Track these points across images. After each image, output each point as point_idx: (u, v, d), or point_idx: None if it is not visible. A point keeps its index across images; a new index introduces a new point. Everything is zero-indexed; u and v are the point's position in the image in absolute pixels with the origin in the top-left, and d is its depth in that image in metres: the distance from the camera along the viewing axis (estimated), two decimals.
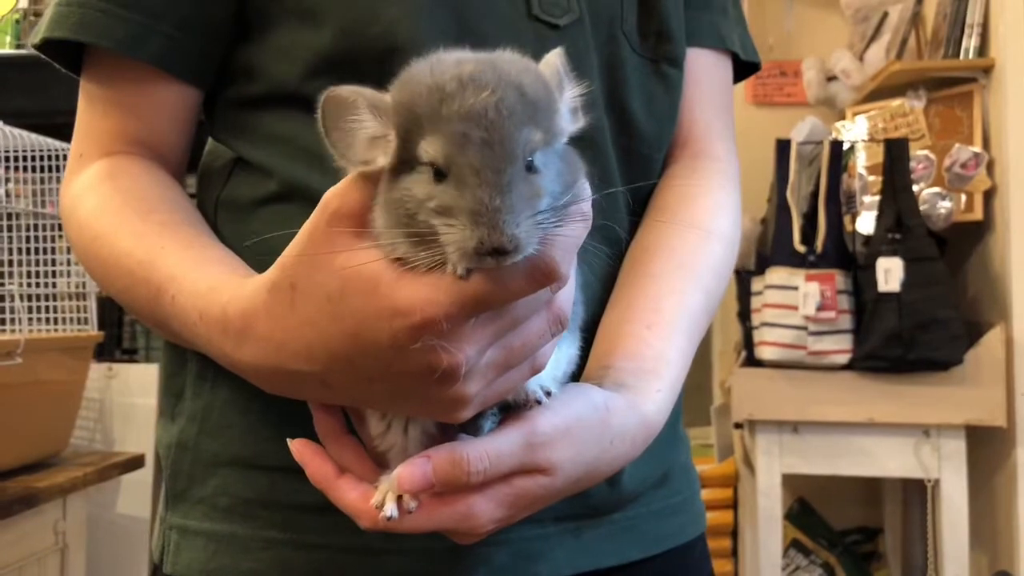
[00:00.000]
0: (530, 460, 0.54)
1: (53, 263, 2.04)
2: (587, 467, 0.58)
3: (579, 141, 0.72)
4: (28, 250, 2.04)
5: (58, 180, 1.97)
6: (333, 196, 0.50)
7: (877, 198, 2.32)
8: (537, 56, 0.66)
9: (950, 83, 2.52)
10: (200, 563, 0.69)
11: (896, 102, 2.61)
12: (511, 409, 0.56)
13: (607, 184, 0.73)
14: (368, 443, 0.57)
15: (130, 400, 2.33)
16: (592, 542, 0.72)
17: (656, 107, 0.76)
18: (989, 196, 2.40)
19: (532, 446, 0.54)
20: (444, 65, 0.48)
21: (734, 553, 3.00)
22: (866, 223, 2.36)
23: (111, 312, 2.57)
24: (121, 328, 2.72)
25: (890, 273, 2.17)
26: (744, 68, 0.87)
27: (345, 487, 0.55)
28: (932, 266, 2.20)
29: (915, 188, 2.31)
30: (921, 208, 2.29)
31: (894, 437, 2.23)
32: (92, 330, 2.08)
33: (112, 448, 2.30)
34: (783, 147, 2.41)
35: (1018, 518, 2.19)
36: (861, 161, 2.56)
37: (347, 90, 0.49)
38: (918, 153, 2.41)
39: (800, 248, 2.30)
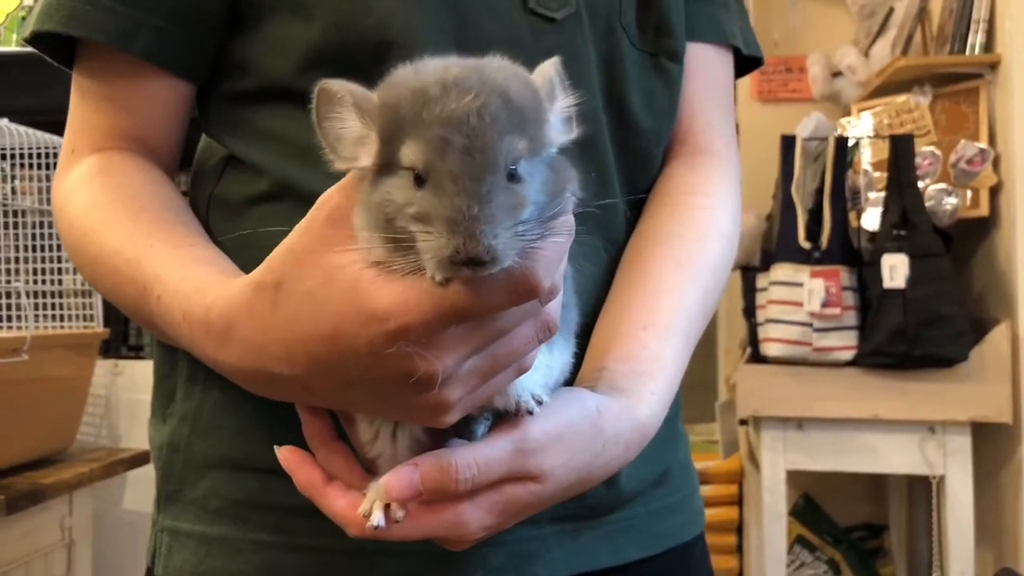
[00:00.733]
0: (520, 467, 0.54)
1: (59, 260, 2.05)
2: (579, 473, 0.57)
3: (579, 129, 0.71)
4: (34, 247, 2.05)
5: None
6: (330, 196, 0.50)
7: (882, 194, 2.31)
8: (533, 50, 0.65)
9: (956, 79, 2.51)
10: (191, 566, 0.69)
11: (902, 98, 2.60)
12: (502, 417, 0.55)
13: (605, 181, 0.72)
14: (358, 449, 0.56)
15: (136, 396, 2.34)
16: (590, 542, 0.71)
17: (655, 102, 0.75)
18: (995, 192, 2.39)
19: (522, 453, 0.54)
20: (429, 68, 0.48)
21: (739, 549, 3.00)
22: (871, 219, 2.35)
23: (117, 309, 2.57)
24: (128, 325, 2.72)
25: (895, 269, 2.16)
26: (746, 63, 0.85)
27: (333, 495, 0.54)
28: (937, 262, 2.19)
29: (920, 184, 2.29)
30: (927, 204, 2.28)
31: (899, 434, 2.23)
32: (98, 327, 2.09)
33: (118, 444, 2.31)
34: (788, 143, 2.40)
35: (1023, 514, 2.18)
36: (866, 157, 2.55)
37: (337, 85, 0.49)
38: (924, 149, 2.40)
39: (805, 244, 2.29)
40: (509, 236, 0.44)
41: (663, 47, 0.75)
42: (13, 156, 2.03)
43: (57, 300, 2.07)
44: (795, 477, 2.49)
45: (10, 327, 1.99)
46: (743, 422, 2.55)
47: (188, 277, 0.59)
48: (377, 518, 0.52)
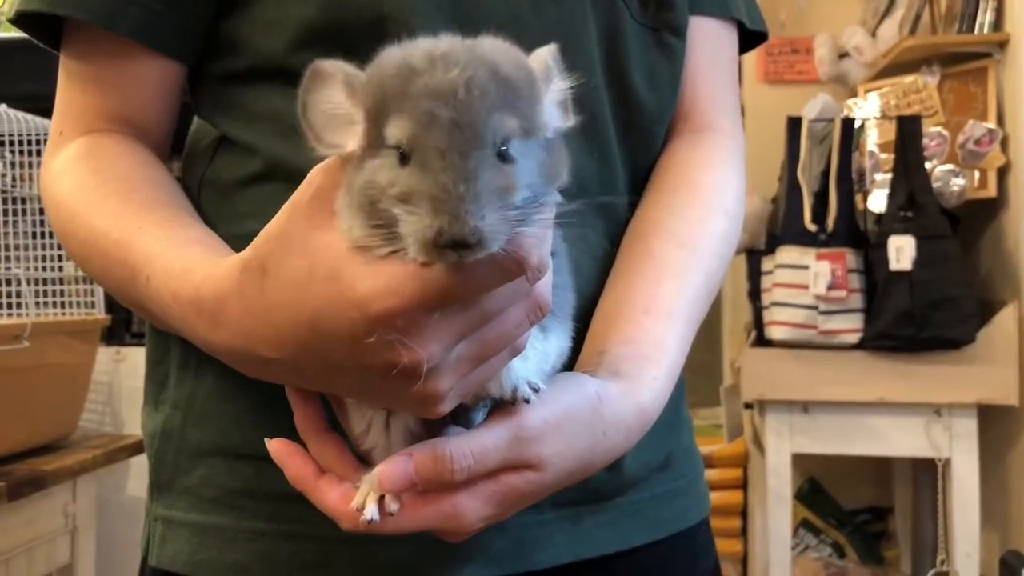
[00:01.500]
0: (518, 456, 0.52)
1: (60, 247, 2.04)
2: (578, 461, 0.56)
3: (577, 114, 0.70)
4: (36, 234, 2.04)
5: None
6: (318, 172, 0.48)
7: (889, 176, 2.30)
8: (533, 24, 0.64)
9: (964, 59, 2.48)
10: (185, 555, 0.68)
11: (909, 78, 2.58)
12: (500, 405, 0.54)
13: (606, 159, 0.71)
14: (353, 441, 0.55)
15: (138, 384, 2.31)
16: (593, 528, 0.70)
17: (658, 78, 0.73)
18: (1003, 173, 2.37)
19: (520, 441, 0.52)
20: (419, 45, 0.46)
21: (744, 533, 3.00)
22: (878, 201, 2.33)
23: None
24: (130, 312, 2.72)
25: (902, 251, 2.15)
26: (750, 39, 0.83)
27: (325, 488, 0.53)
28: (944, 244, 2.17)
29: (928, 165, 2.27)
30: (934, 185, 2.26)
31: (905, 417, 2.22)
32: (99, 314, 2.09)
33: (121, 431, 2.31)
34: (794, 125, 2.38)
35: None
36: (873, 139, 2.53)
37: (329, 64, 0.47)
38: (931, 130, 2.38)
39: (811, 227, 2.27)
40: (498, 219, 0.42)
41: (665, 21, 0.73)
42: (12, 143, 2.02)
43: (58, 287, 2.07)
44: (800, 460, 2.48)
45: (11, 314, 1.98)
46: (748, 406, 2.55)
47: (178, 257, 0.57)
48: (371, 511, 0.50)
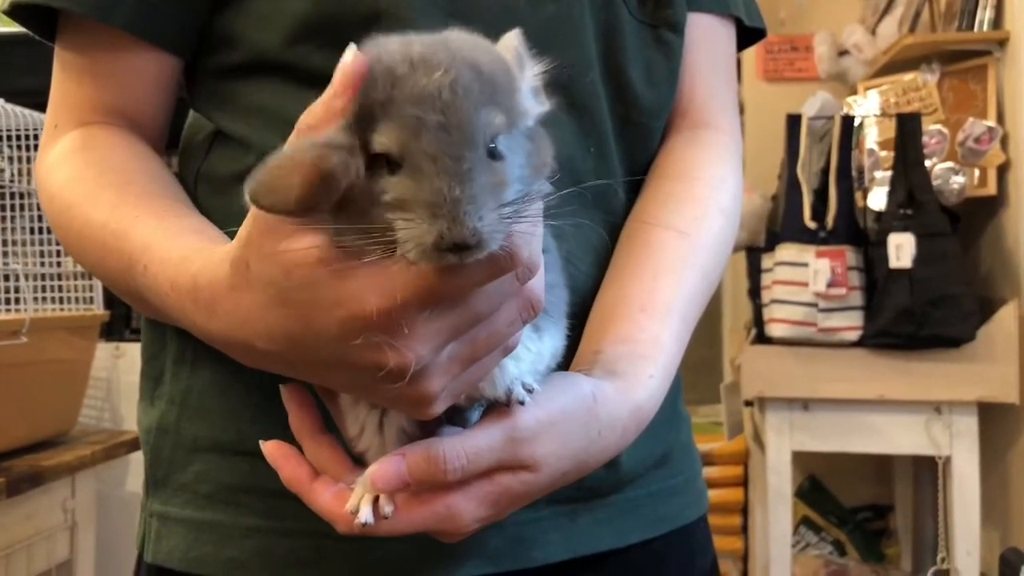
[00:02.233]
0: (512, 456, 0.52)
1: (59, 242, 2.03)
2: (574, 460, 0.56)
3: (575, 110, 0.69)
4: (34, 229, 2.04)
5: None
6: None
7: (889, 173, 2.29)
8: (529, 20, 0.63)
9: (964, 56, 2.48)
10: (181, 551, 0.68)
11: (909, 76, 2.57)
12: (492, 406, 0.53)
13: (603, 155, 0.70)
14: (347, 443, 0.55)
15: (137, 379, 2.33)
16: (590, 525, 0.70)
17: (655, 75, 0.73)
18: (1003, 171, 2.36)
19: (514, 441, 0.52)
20: (390, 48, 0.45)
21: (744, 530, 3.00)
22: (878, 199, 2.33)
23: None
24: (129, 307, 2.72)
25: (902, 249, 2.14)
26: (748, 36, 0.83)
27: (319, 490, 0.53)
28: (944, 242, 2.17)
29: (928, 163, 2.27)
30: (934, 183, 2.26)
31: (905, 414, 2.22)
32: (98, 309, 2.08)
33: (120, 426, 2.30)
34: (794, 123, 2.37)
35: None
36: (872, 136, 2.53)
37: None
38: (931, 128, 2.37)
39: (811, 224, 2.27)
40: (494, 218, 0.42)
41: (663, 18, 0.73)
42: (11, 138, 2.01)
43: (57, 283, 2.06)
44: (800, 458, 2.48)
45: (9, 310, 1.98)
46: (748, 403, 2.54)
47: (176, 247, 0.57)
48: (365, 514, 0.50)
